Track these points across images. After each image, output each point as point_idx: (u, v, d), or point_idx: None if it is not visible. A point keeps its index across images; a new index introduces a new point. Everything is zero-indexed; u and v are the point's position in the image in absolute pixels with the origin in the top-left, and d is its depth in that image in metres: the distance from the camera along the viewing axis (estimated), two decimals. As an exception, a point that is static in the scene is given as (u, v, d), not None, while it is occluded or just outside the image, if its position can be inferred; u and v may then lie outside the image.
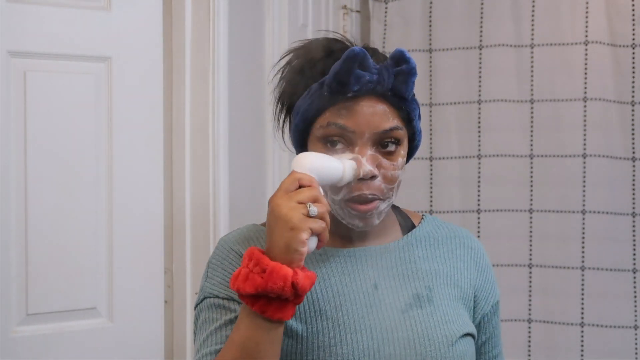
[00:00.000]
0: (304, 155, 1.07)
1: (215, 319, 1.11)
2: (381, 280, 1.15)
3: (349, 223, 1.12)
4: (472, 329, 1.18)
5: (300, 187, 1.02)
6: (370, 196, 1.09)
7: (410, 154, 1.19)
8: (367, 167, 1.08)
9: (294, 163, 1.06)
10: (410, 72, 1.09)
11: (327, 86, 1.09)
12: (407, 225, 1.24)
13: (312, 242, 1.01)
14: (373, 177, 1.09)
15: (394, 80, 1.09)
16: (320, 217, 1.01)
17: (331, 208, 1.11)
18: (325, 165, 1.06)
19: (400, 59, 1.09)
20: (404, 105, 1.11)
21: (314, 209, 1.00)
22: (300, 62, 1.15)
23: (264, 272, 0.98)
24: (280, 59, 1.19)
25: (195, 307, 1.17)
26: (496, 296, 1.25)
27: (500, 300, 1.27)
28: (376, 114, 1.09)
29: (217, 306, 1.12)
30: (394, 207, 1.25)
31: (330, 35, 1.19)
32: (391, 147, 1.11)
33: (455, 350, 1.12)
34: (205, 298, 1.14)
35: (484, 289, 1.23)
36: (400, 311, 1.13)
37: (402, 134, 1.12)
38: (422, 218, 1.26)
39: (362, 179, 1.08)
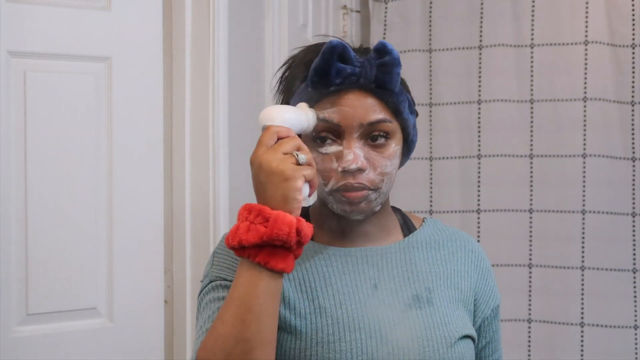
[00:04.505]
0: (272, 108, 1.07)
1: (223, 297, 1.11)
2: (381, 281, 1.15)
3: (339, 208, 1.13)
4: (472, 331, 1.18)
5: (278, 139, 1.03)
6: (356, 185, 1.10)
7: (408, 151, 1.19)
8: (348, 158, 1.08)
9: (263, 118, 1.05)
10: (393, 63, 1.09)
11: (309, 81, 1.09)
12: (409, 228, 1.24)
13: (306, 190, 1.03)
14: (360, 170, 1.09)
15: (377, 72, 1.09)
16: (308, 164, 1.02)
17: (322, 197, 1.14)
18: (294, 116, 1.07)
19: (383, 51, 1.09)
20: (390, 97, 1.11)
21: (302, 157, 1.01)
22: (293, 66, 1.17)
23: (267, 221, 0.98)
24: (280, 68, 1.20)
25: (200, 293, 1.16)
26: (497, 300, 1.25)
27: (500, 303, 1.27)
28: (361, 107, 1.09)
29: (225, 287, 1.12)
30: (396, 210, 1.26)
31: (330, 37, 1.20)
32: (381, 141, 1.11)
33: (454, 351, 1.12)
34: (211, 281, 1.14)
35: (484, 292, 1.23)
36: (399, 311, 1.13)
37: (392, 127, 1.12)
38: (424, 221, 1.26)
39: (347, 171, 1.09)
